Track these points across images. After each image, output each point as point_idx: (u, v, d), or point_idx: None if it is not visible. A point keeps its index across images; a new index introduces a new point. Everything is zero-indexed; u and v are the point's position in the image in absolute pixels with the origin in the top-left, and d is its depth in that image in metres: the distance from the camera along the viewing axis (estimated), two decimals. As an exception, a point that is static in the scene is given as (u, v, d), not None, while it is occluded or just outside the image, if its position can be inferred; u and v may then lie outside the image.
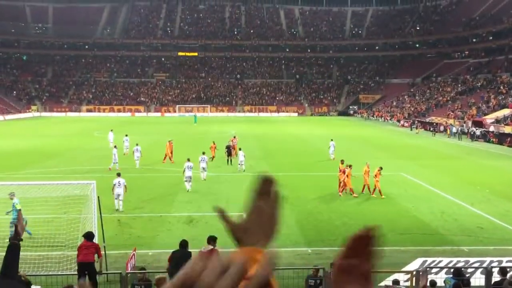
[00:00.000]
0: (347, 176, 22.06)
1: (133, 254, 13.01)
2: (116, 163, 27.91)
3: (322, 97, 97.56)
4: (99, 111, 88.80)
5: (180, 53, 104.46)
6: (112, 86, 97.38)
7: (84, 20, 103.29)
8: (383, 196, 21.71)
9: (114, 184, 19.12)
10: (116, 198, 19.18)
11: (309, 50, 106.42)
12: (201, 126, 61.25)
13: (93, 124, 65.48)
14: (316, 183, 25.07)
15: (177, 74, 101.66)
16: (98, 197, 13.32)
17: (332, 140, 33.83)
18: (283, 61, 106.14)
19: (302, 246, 15.33)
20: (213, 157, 31.04)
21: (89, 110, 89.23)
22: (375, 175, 21.89)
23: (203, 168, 25.36)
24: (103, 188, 18.95)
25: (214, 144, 32.13)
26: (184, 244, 10.24)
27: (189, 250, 10.28)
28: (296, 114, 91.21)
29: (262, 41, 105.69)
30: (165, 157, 30.84)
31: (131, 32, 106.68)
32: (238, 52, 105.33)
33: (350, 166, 22.24)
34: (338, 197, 22.15)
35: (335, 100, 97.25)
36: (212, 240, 10.01)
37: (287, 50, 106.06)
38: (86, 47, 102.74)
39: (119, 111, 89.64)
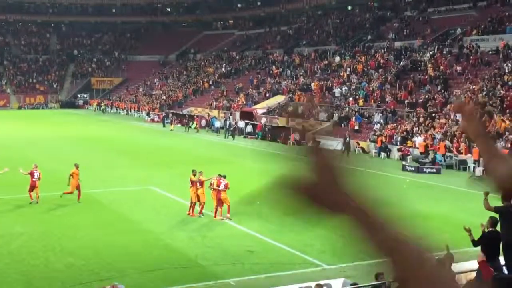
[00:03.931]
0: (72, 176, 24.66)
1: None
2: None
3: (35, 81, 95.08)
4: None
5: None
6: None
7: None
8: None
9: None
10: None
11: (11, 11, 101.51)
12: None
13: None
14: (23, 211, 24.15)
15: None
16: None
17: None
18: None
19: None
20: None
21: None
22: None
23: None
24: None
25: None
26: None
27: None
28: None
29: None
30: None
31: None
32: None
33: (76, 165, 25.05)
34: (50, 227, 21.90)
35: (56, 86, 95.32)
36: None
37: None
38: None
39: None
